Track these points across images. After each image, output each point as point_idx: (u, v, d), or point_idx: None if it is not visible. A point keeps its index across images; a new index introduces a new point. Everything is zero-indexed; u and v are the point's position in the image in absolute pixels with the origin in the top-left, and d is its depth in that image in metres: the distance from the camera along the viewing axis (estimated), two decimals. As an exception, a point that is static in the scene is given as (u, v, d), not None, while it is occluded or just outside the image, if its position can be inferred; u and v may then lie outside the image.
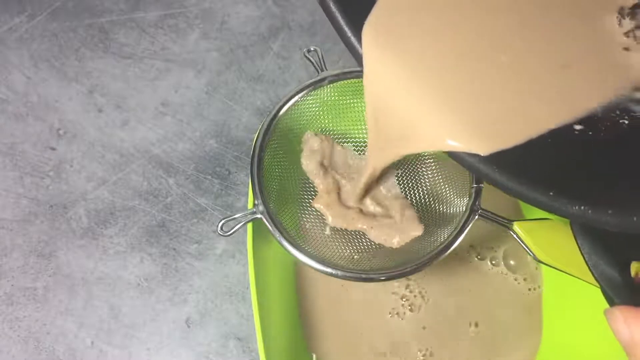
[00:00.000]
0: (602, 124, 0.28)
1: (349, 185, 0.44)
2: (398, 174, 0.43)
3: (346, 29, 0.28)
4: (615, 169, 0.27)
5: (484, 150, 0.26)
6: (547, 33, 0.29)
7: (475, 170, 0.27)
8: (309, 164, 0.43)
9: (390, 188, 0.43)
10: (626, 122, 0.27)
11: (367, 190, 0.40)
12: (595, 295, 0.35)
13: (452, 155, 0.27)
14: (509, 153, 0.27)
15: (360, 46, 0.27)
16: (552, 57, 0.28)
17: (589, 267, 0.32)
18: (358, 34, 0.27)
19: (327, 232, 0.42)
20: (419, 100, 0.27)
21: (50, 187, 0.50)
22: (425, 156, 0.43)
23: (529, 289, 0.45)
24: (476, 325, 0.44)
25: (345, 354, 0.43)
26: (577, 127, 0.27)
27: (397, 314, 0.44)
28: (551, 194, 0.25)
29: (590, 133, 0.27)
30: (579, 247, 0.33)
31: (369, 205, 0.43)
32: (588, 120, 0.28)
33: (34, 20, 0.55)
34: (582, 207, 0.25)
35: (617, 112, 0.28)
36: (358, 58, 0.28)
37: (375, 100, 0.29)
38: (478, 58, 0.27)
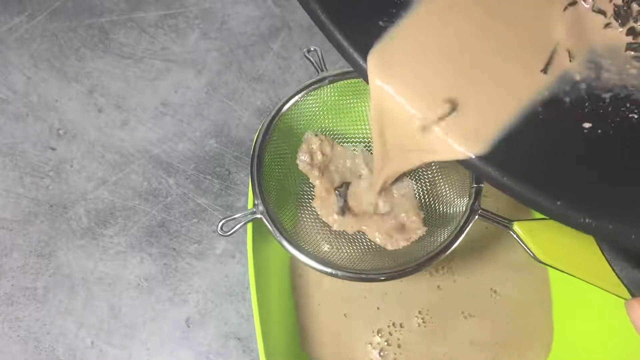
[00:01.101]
0: (612, 120, 0.27)
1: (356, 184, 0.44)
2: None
3: (347, 46, 0.28)
4: (622, 174, 0.27)
5: (479, 148, 0.26)
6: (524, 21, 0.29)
7: (487, 177, 0.27)
8: (305, 164, 0.43)
9: (400, 188, 0.43)
10: (636, 116, 0.27)
11: (381, 192, 0.41)
12: (603, 297, 0.35)
13: (464, 164, 0.27)
14: (518, 156, 0.27)
15: (364, 62, 0.28)
16: (528, 40, 0.29)
17: (608, 262, 0.33)
18: (360, 51, 0.28)
19: (335, 227, 0.42)
20: (420, 118, 0.28)
21: (50, 187, 0.50)
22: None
23: (537, 290, 0.45)
24: (482, 327, 0.44)
25: (343, 354, 0.43)
26: (587, 125, 0.27)
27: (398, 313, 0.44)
28: (559, 203, 0.25)
29: (600, 131, 0.27)
30: (597, 243, 0.33)
31: (373, 204, 0.43)
32: (597, 117, 0.27)
33: (34, 20, 0.55)
34: (587, 220, 0.25)
35: (628, 105, 0.28)
36: (363, 74, 0.29)
37: (382, 116, 0.30)
38: (469, 67, 0.28)
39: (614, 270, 0.33)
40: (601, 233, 0.25)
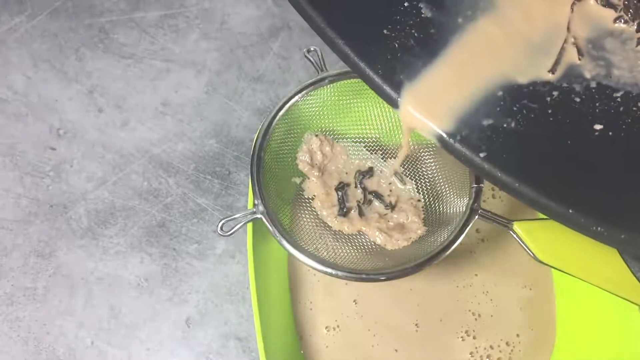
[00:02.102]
0: (623, 122, 0.27)
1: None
2: (399, 171, 0.44)
3: (383, 84, 0.29)
4: (633, 180, 0.26)
5: (441, 120, 0.27)
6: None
7: (501, 183, 0.26)
8: (305, 164, 0.43)
9: (408, 190, 0.43)
10: None
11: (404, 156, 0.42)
12: (605, 297, 0.35)
13: (466, 163, 0.27)
14: (530, 160, 0.26)
15: (400, 98, 0.29)
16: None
17: (625, 262, 0.33)
18: (373, 68, 0.29)
19: (335, 227, 0.42)
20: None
21: (50, 187, 0.50)
22: (426, 156, 0.43)
23: (540, 290, 0.45)
24: (484, 327, 0.44)
25: (342, 354, 0.43)
26: (597, 127, 0.27)
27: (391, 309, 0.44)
28: (571, 211, 0.25)
29: (611, 133, 0.27)
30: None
31: (376, 203, 0.43)
32: (608, 118, 0.27)
33: (34, 20, 0.55)
34: (599, 228, 0.24)
35: (639, 105, 0.27)
36: (393, 104, 0.29)
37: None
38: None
39: (631, 270, 0.33)
40: (613, 242, 0.25)
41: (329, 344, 0.43)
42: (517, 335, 0.43)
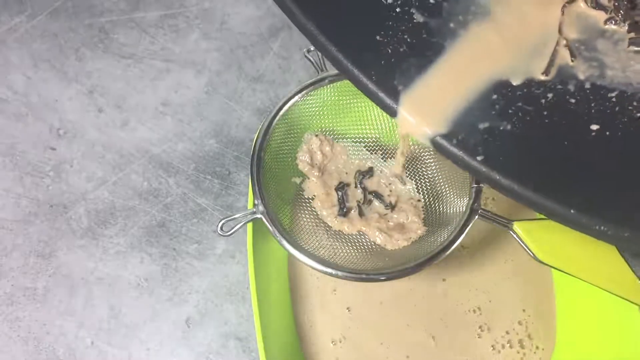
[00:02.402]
0: (620, 121, 0.27)
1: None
2: (400, 175, 0.44)
3: (381, 94, 0.29)
4: (633, 178, 0.26)
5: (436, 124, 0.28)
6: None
7: (497, 184, 0.26)
8: (306, 164, 0.43)
9: (408, 190, 0.43)
10: None
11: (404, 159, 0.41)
12: (605, 297, 0.35)
13: (465, 166, 0.27)
14: (528, 162, 0.26)
15: (395, 104, 0.28)
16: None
17: (626, 261, 0.33)
18: (367, 75, 0.28)
19: (335, 227, 0.42)
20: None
21: (50, 187, 0.50)
22: (426, 156, 0.43)
23: (540, 291, 0.45)
24: (484, 327, 0.44)
25: (342, 354, 0.43)
26: (594, 127, 0.27)
27: (395, 309, 0.44)
28: (572, 211, 0.25)
29: (608, 133, 0.27)
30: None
31: (376, 203, 0.43)
32: (604, 118, 0.27)
33: (34, 20, 0.55)
34: (603, 227, 0.24)
35: (634, 104, 0.27)
36: (387, 110, 0.29)
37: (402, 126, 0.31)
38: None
39: (631, 268, 0.33)
40: (617, 241, 0.25)
41: (331, 343, 0.43)
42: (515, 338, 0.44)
